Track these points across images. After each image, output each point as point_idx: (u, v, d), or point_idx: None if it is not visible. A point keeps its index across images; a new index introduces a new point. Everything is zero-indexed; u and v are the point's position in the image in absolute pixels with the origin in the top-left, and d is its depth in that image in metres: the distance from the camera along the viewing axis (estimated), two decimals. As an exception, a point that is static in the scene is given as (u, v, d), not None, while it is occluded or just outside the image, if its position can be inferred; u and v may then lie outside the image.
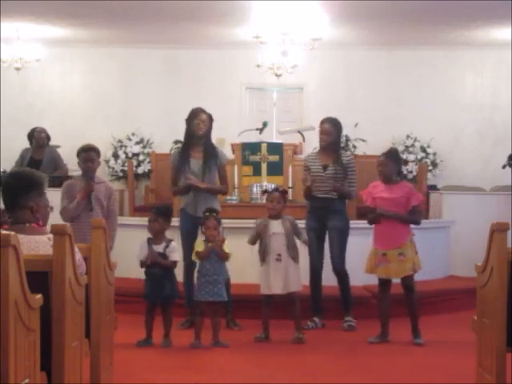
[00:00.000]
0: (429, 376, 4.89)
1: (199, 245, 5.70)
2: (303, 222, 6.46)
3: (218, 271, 5.67)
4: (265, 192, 6.17)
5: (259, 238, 5.87)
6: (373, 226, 5.94)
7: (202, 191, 6.21)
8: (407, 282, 5.81)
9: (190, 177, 6.20)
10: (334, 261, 6.32)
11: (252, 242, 5.89)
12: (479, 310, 4.37)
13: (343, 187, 6.32)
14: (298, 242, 5.97)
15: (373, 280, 6.06)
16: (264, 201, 6.35)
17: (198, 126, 6.24)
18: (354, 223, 7.00)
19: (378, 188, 5.88)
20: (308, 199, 6.51)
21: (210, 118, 6.34)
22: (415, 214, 5.87)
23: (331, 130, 6.39)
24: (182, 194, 6.35)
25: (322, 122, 6.47)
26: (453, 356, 5.39)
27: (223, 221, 6.03)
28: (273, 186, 7.10)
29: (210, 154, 6.29)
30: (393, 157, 5.97)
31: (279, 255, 5.80)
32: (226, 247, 5.69)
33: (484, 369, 4.23)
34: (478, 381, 4.35)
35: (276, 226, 5.85)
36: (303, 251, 6.36)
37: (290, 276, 5.80)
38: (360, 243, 6.55)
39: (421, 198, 5.93)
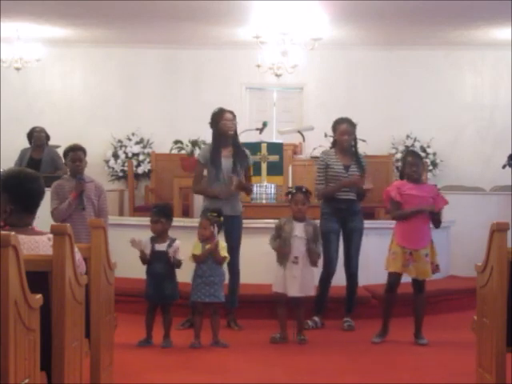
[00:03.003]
0: (429, 376, 4.89)
1: (196, 247, 5.70)
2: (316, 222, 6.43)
3: (215, 273, 5.66)
4: (288, 194, 6.06)
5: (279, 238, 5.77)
6: (398, 222, 5.86)
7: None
8: (421, 282, 5.80)
9: (236, 178, 6.12)
10: (352, 262, 6.28)
11: (275, 246, 5.76)
12: (479, 310, 4.37)
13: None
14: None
15: (373, 280, 6.06)
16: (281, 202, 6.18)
17: (226, 126, 6.17)
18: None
19: (405, 186, 5.84)
20: (325, 200, 6.37)
21: (235, 116, 6.28)
22: (440, 216, 5.88)
23: (351, 130, 6.31)
24: (208, 196, 6.26)
25: (341, 123, 6.31)
26: (453, 356, 5.39)
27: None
28: (270, 185, 7.02)
29: (240, 153, 6.26)
30: (420, 157, 6.00)
31: (296, 258, 5.71)
32: (223, 250, 5.69)
33: (484, 369, 4.24)
34: (478, 381, 4.35)
35: (299, 229, 5.75)
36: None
37: (305, 280, 5.73)
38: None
39: (447, 201, 5.93)
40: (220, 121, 6.20)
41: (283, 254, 5.72)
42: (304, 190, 5.89)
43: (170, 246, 5.66)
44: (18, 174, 3.43)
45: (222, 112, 6.23)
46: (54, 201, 5.84)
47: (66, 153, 5.95)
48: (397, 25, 9.78)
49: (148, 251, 5.66)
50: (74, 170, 5.89)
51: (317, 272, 6.19)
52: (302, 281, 5.72)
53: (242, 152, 6.31)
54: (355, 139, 6.41)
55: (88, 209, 5.81)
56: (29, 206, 3.37)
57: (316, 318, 6.35)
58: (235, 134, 6.28)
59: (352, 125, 6.35)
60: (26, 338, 2.75)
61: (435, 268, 5.80)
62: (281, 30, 9.23)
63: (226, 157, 6.24)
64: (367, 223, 6.51)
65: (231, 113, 6.24)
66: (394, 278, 5.80)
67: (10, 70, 10.16)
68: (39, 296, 2.85)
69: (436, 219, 5.83)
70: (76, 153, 5.89)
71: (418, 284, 5.82)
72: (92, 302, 4.00)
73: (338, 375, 4.88)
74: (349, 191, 6.27)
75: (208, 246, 5.65)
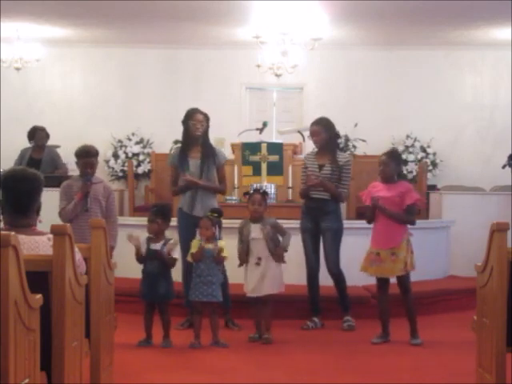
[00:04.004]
0: (429, 376, 4.89)
1: (195, 246, 5.70)
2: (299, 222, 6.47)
3: (213, 272, 5.65)
4: (246, 194, 6.13)
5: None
6: (372, 225, 5.94)
7: (199, 190, 6.21)
8: (401, 281, 5.82)
9: (187, 174, 6.20)
10: (329, 262, 6.31)
11: (238, 251, 5.86)
12: (479, 310, 4.37)
13: (331, 185, 6.25)
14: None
15: (372, 280, 6.06)
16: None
17: (194, 127, 6.22)
18: (352, 223, 7.04)
19: (376, 187, 5.89)
20: (304, 199, 6.49)
21: (207, 118, 6.31)
22: (410, 214, 5.83)
23: (318, 130, 6.37)
24: (182, 193, 6.36)
25: (310, 126, 6.50)
26: (453, 356, 5.40)
27: (224, 221, 6.02)
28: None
29: (208, 153, 6.26)
30: (394, 157, 5.99)
31: (259, 259, 5.77)
32: (224, 250, 5.68)
33: (484, 369, 4.24)
34: (478, 381, 4.35)
35: (256, 231, 5.80)
36: (299, 251, 6.37)
37: (266, 279, 5.76)
38: (358, 243, 6.54)
39: (415, 197, 5.87)
40: (189, 121, 6.24)
41: (242, 254, 5.81)
42: (262, 191, 6.03)
43: (164, 245, 5.66)
44: (8, 173, 3.41)
45: (194, 112, 6.28)
46: (62, 201, 5.84)
47: (78, 155, 5.91)
48: (397, 25, 9.78)
49: (144, 250, 5.67)
50: (83, 174, 5.89)
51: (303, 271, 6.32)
52: (261, 281, 5.75)
53: (211, 152, 6.30)
54: (331, 138, 6.43)
55: (95, 209, 5.79)
56: (16, 206, 3.33)
57: (315, 319, 6.36)
58: (205, 135, 6.29)
59: (321, 124, 6.39)
60: (26, 338, 2.75)
61: (410, 267, 5.80)
62: (281, 29, 9.23)
63: (194, 158, 6.27)
64: (361, 224, 6.47)
65: (203, 114, 6.28)
66: (378, 279, 5.87)
67: (9, 70, 10.16)
68: (39, 296, 2.85)
69: (403, 219, 5.76)
70: (90, 159, 5.86)
71: (399, 284, 5.84)
72: (92, 302, 4.00)
73: (338, 375, 4.88)
74: (322, 191, 6.28)
75: (207, 245, 5.64)
